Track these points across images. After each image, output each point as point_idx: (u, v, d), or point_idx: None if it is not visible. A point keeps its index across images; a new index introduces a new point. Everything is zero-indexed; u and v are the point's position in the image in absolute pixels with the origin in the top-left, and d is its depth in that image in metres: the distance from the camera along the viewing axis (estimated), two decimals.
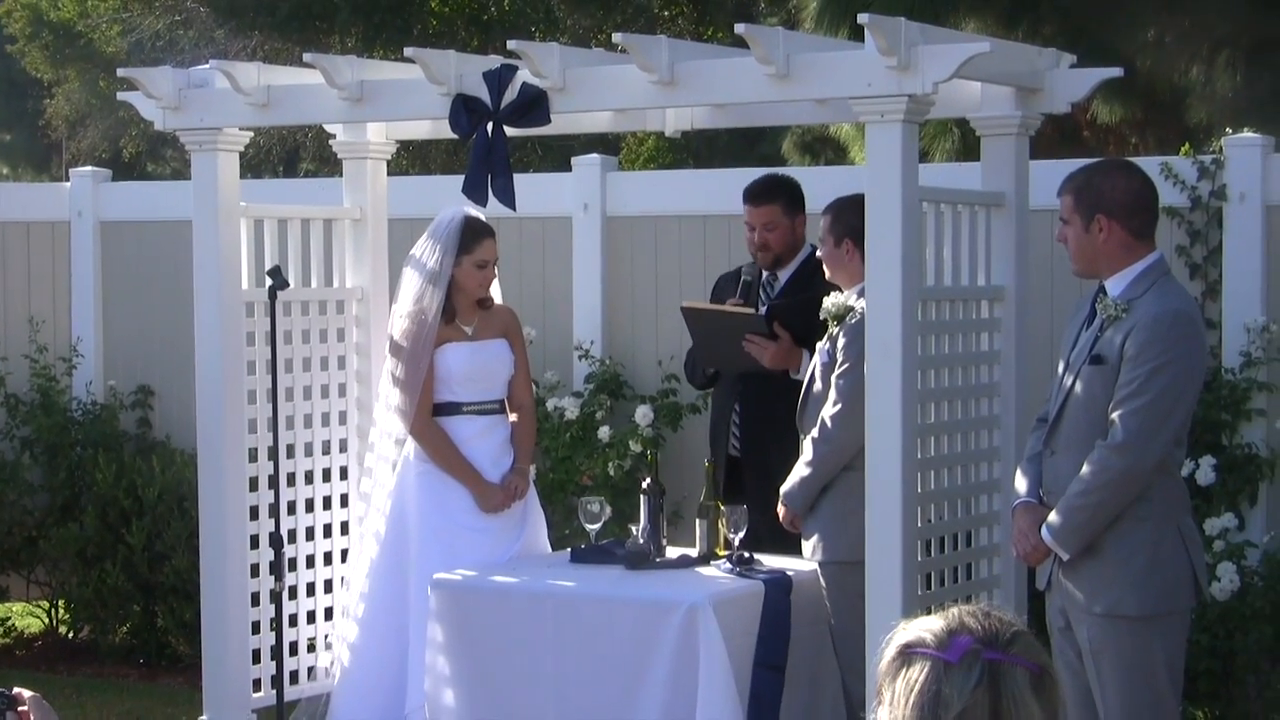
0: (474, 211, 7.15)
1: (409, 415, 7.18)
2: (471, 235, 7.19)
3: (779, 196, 7.44)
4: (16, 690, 2.82)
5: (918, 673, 2.57)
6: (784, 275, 7.45)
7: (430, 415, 7.19)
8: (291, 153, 19.45)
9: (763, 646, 6.43)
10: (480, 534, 7.15)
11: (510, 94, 6.69)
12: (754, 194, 7.47)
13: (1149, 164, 6.82)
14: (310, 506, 7.87)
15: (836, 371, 6.52)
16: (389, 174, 8.27)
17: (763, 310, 7.15)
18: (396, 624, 7.18)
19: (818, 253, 6.86)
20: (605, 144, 16.12)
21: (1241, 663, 7.50)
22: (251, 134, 7.70)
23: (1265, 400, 7.84)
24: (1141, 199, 5.69)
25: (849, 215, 6.45)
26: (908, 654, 2.60)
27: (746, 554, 6.73)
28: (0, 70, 28.50)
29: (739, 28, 6.05)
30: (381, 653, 7.26)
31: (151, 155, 24.78)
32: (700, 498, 7.01)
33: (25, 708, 2.80)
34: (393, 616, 7.21)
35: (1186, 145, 8.29)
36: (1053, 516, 5.60)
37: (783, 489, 6.68)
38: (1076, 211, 5.67)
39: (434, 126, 7.73)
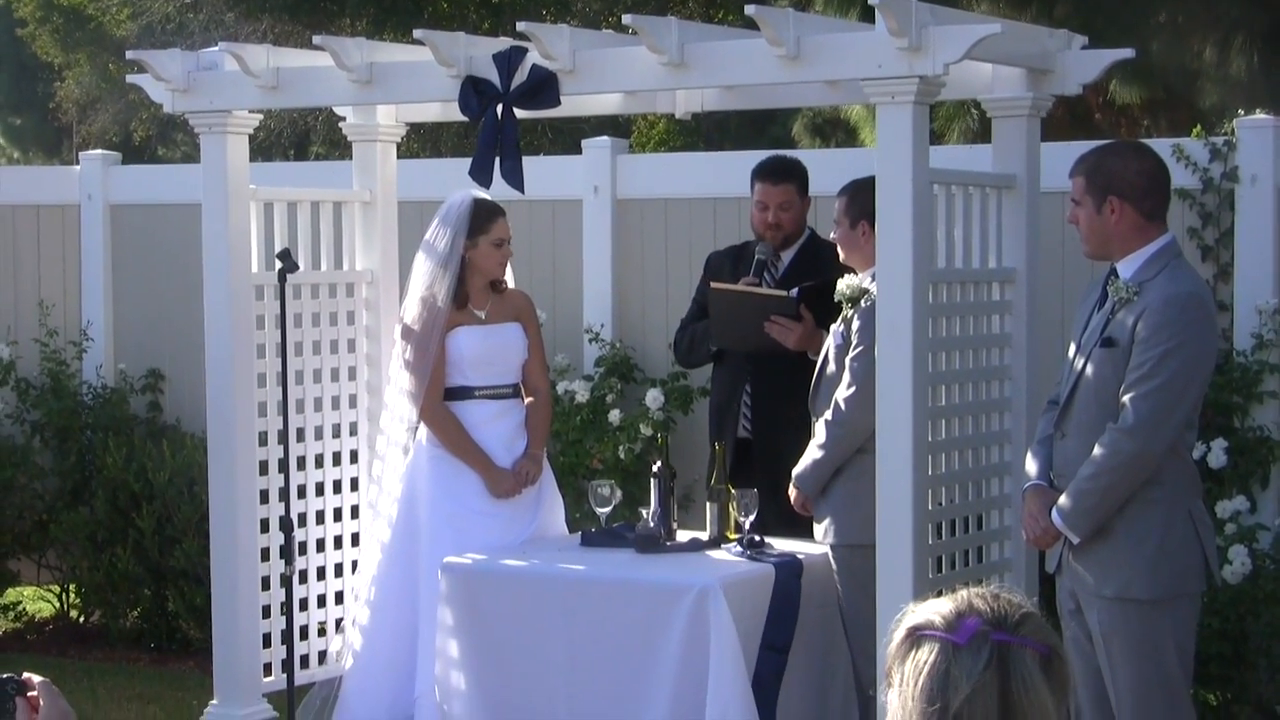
0: (481, 194, 7.14)
1: (419, 399, 7.17)
2: (485, 215, 7.18)
3: (795, 177, 7.43)
4: (26, 675, 2.81)
5: (927, 654, 2.57)
6: (787, 257, 7.43)
7: (440, 399, 7.18)
8: (301, 136, 19.45)
9: (769, 628, 6.42)
10: (492, 519, 7.13)
11: (520, 76, 6.67)
12: (772, 173, 7.44)
13: (1161, 146, 6.80)
14: (320, 490, 7.88)
15: (851, 354, 6.50)
16: (399, 157, 8.26)
17: (793, 292, 7.11)
18: (408, 608, 7.17)
19: (831, 235, 6.83)
20: (616, 126, 16.11)
21: (1253, 646, 7.49)
22: (261, 117, 7.69)
23: (1277, 383, 7.82)
24: (1154, 181, 5.67)
25: (865, 197, 6.38)
26: (917, 636, 2.60)
27: (757, 537, 6.72)
28: (10, 54, 28.56)
29: (749, 9, 6.03)
30: (393, 636, 7.25)
31: (162, 139, 24.82)
32: (710, 481, 6.99)
33: (34, 693, 2.79)
34: (404, 600, 7.20)
35: (1198, 127, 8.26)
36: (1063, 500, 5.58)
37: (795, 471, 6.66)
38: (1088, 193, 5.65)
39: (443, 109, 7.72)
